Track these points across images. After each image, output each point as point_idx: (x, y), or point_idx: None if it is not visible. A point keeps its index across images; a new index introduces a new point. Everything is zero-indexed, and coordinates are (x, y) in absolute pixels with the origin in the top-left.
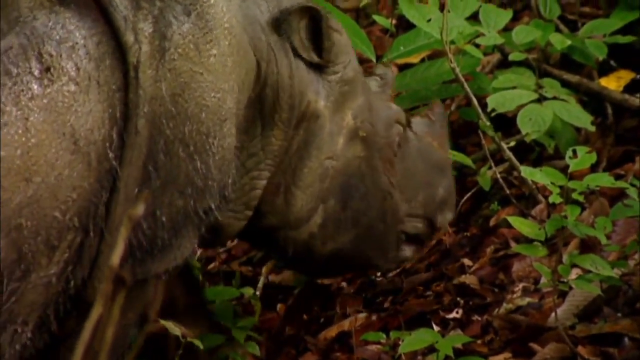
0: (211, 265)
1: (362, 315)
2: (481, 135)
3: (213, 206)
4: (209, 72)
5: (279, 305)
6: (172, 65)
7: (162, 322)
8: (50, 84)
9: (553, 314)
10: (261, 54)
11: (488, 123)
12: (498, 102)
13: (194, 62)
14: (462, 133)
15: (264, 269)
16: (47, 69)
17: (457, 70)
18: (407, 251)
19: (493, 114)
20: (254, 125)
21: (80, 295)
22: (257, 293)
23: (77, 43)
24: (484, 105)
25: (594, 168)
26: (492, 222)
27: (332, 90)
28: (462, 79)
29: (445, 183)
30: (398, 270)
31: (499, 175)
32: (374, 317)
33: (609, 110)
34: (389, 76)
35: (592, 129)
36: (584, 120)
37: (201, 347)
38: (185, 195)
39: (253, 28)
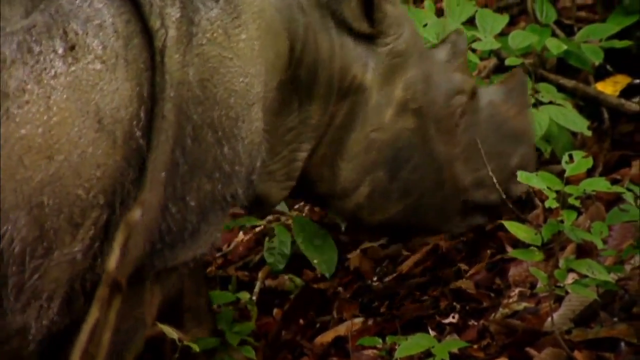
0: (208, 270)
1: (358, 320)
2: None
3: (240, 191)
4: (238, 57)
5: (275, 310)
6: (200, 50)
7: (160, 325)
8: (74, 62)
9: (549, 319)
10: (296, 36)
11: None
12: None
13: (223, 47)
14: None
15: (260, 274)
16: (72, 47)
17: None
18: (479, 218)
19: None
20: (290, 103)
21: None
22: (254, 298)
23: (104, 21)
24: None
25: (590, 173)
26: (488, 227)
27: (381, 63)
28: None
29: (522, 152)
30: (394, 275)
31: (495, 180)
32: (370, 322)
33: (606, 115)
34: (461, 44)
35: (589, 133)
36: (580, 124)
37: (197, 350)
38: (213, 180)
39: (289, 10)
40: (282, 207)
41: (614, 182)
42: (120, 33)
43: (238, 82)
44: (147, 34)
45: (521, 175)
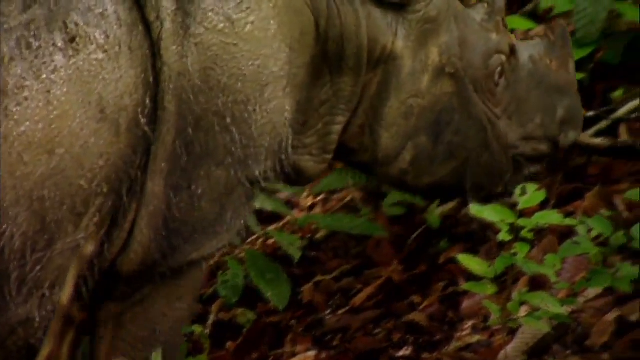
0: None
1: (311, 354)
2: None
3: (261, 172)
4: (244, 42)
5: (228, 344)
6: (199, 40)
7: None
8: (75, 54)
9: (503, 352)
10: (319, 11)
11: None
12: None
13: (225, 34)
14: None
15: (213, 307)
16: (72, 39)
17: None
18: (533, 169)
19: None
20: (322, 76)
21: (114, 267)
22: (207, 331)
23: (106, 10)
24: None
25: (543, 205)
26: (441, 260)
27: (412, 30)
28: None
29: (566, 103)
30: (347, 308)
31: (448, 213)
32: (323, 355)
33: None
34: (498, 3)
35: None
36: None
37: None
38: (225, 166)
39: None
40: (235, 240)
41: (567, 214)
42: (123, 21)
43: (246, 66)
44: (146, 23)
45: (473, 208)
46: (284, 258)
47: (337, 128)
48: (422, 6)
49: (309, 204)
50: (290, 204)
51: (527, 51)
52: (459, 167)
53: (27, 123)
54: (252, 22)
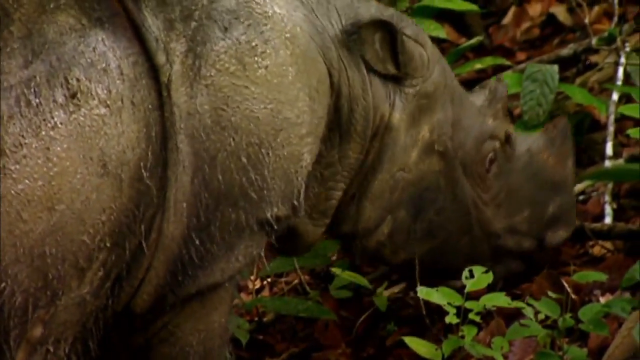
0: None
1: None
2: None
3: (270, 215)
4: (256, 85)
5: None
6: (210, 81)
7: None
8: (76, 110)
9: None
10: (332, 63)
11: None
12: None
13: (236, 77)
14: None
15: None
16: (74, 95)
17: None
18: (513, 265)
19: None
20: (333, 134)
21: (127, 308)
22: None
23: (109, 65)
24: None
25: (490, 288)
26: (388, 343)
27: (408, 103)
28: None
29: (559, 200)
30: None
31: (395, 296)
32: None
33: None
34: (500, 91)
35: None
36: None
37: None
38: (238, 208)
39: (322, 38)
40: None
41: (514, 297)
42: (126, 75)
43: (259, 109)
44: (155, 71)
45: (421, 291)
46: (231, 341)
47: (338, 194)
48: (419, 81)
49: (256, 286)
50: (238, 287)
51: (525, 143)
52: (436, 247)
53: (26, 181)
54: (266, 67)
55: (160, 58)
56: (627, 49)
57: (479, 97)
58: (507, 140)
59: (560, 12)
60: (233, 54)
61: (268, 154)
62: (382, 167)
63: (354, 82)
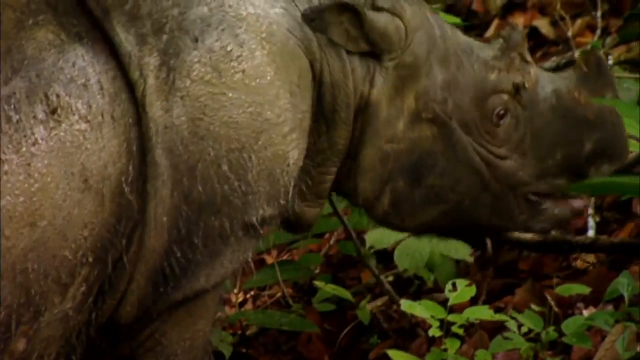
0: None
1: None
2: (361, 268)
3: (256, 219)
4: (233, 90)
5: None
6: (185, 92)
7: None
8: (57, 126)
9: None
10: (314, 55)
11: (370, 252)
12: (376, 239)
13: (212, 84)
14: (340, 267)
15: None
16: (54, 111)
17: (335, 205)
18: (553, 208)
19: (372, 250)
20: (319, 123)
21: (112, 319)
22: None
23: (89, 80)
24: (362, 240)
25: (473, 301)
26: (371, 356)
27: (389, 76)
28: (341, 214)
29: (597, 136)
30: None
31: (378, 309)
32: None
33: (488, 243)
34: (514, 38)
35: (471, 260)
36: (462, 252)
37: None
38: (222, 216)
39: (302, 30)
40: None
41: (498, 310)
42: (106, 90)
43: (238, 114)
44: (130, 86)
45: (404, 304)
46: (214, 354)
47: (330, 177)
48: (397, 54)
49: (240, 300)
50: (221, 300)
51: (552, 84)
52: (450, 210)
53: (8, 197)
54: (243, 71)
55: (134, 73)
56: (610, 62)
57: (492, 48)
58: (517, 90)
59: (543, 25)
60: (207, 62)
61: (250, 157)
62: (366, 142)
63: (335, 69)
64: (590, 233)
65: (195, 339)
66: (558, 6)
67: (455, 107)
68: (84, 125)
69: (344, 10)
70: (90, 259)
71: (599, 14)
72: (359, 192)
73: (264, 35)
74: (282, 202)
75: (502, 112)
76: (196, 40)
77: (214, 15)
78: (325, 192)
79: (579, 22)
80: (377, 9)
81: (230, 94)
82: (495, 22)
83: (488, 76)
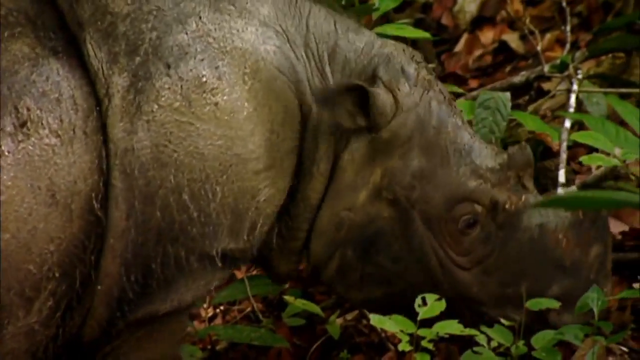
0: None
1: None
2: None
3: (216, 251)
4: (202, 121)
5: None
6: (151, 117)
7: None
8: (25, 139)
9: None
10: (303, 98)
11: None
12: None
13: (180, 113)
14: (310, 281)
15: None
16: (23, 124)
17: None
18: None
19: None
20: (304, 168)
21: (76, 335)
22: None
23: (62, 95)
24: None
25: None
26: None
27: (362, 147)
28: None
29: (567, 284)
30: None
31: (348, 323)
32: None
33: None
34: (517, 159)
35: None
36: None
37: None
38: (179, 245)
39: (295, 71)
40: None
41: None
42: (80, 105)
43: (204, 145)
44: (99, 102)
45: (374, 318)
46: None
47: (302, 235)
48: (377, 129)
49: (209, 314)
50: (190, 315)
51: (540, 218)
52: (395, 294)
53: None
54: (216, 103)
55: (100, 91)
56: (580, 76)
57: (496, 159)
58: (494, 207)
59: (512, 40)
60: (177, 90)
61: (215, 189)
62: (327, 203)
63: (322, 119)
64: None
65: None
66: (527, 21)
67: (422, 199)
68: (54, 140)
69: (352, 90)
70: (57, 274)
71: (568, 28)
72: (310, 252)
73: (247, 70)
74: (248, 237)
75: (471, 221)
76: (169, 66)
77: (194, 44)
78: (297, 249)
79: (548, 36)
80: (375, 78)
81: (198, 125)
82: (465, 37)
83: (468, 182)
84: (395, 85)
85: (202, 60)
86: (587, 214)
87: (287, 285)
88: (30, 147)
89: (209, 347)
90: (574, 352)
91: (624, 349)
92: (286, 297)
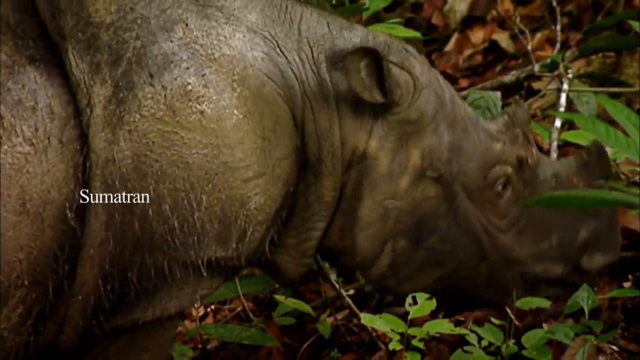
0: None
1: None
2: (321, 282)
3: (201, 261)
4: (187, 130)
5: None
6: (133, 127)
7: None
8: None
9: None
10: (294, 103)
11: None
12: None
13: (164, 122)
14: (301, 280)
15: None
16: None
17: None
18: (551, 291)
19: None
20: (307, 173)
21: (53, 343)
22: None
23: (38, 103)
24: None
25: (433, 314)
26: None
27: (392, 130)
28: None
29: (592, 224)
30: None
31: (339, 322)
32: None
33: None
34: (519, 115)
35: None
36: None
37: None
38: (160, 254)
39: (284, 76)
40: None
41: (458, 323)
42: (57, 114)
43: (189, 154)
44: (79, 113)
45: (364, 317)
46: None
47: (317, 234)
48: (402, 108)
49: (200, 314)
50: (182, 314)
51: (552, 168)
52: (446, 275)
53: None
54: (202, 112)
55: (82, 102)
56: (570, 76)
57: (497, 122)
58: (521, 164)
59: (502, 39)
60: (161, 100)
61: (200, 198)
62: (364, 196)
63: (320, 118)
64: None
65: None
66: (518, 20)
67: (460, 171)
68: (27, 148)
69: (364, 55)
70: (26, 282)
71: (558, 27)
72: (357, 251)
73: (236, 77)
74: (237, 245)
75: (504, 183)
76: (152, 76)
77: (180, 53)
78: (310, 251)
79: (538, 35)
80: (387, 62)
81: (183, 134)
82: (455, 36)
83: (493, 146)
84: (408, 64)
85: (188, 68)
86: (590, 153)
87: (277, 285)
88: (2, 155)
89: (200, 346)
90: (564, 351)
91: (614, 347)
92: (277, 297)
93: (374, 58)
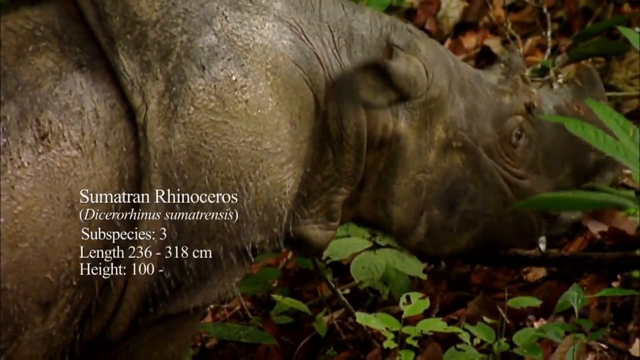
0: None
1: None
2: (317, 281)
3: (248, 247)
4: (235, 119)
5: None
6: (187, 119)
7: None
8: (45, 151)
9: None
10: (318, 87)
11: (327, 266)
12: (333, 250)
13: (215, 113)
14: (298, 280)
15: None
16: (44, 136)
17: None
18: (569, 215)
19: (328, 262)
20: (325, 151)
21: (100, 337)
22: None
23: (84, 108)
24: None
25: (427, 313)
26: None
27: (416, 112)
28: None
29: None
30: None
31: (335, 321)
32: None
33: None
34: (515, 61)
35: (424, 277)
36: (415, 268)
37: None
38: (216, 242)
39: (309, 63)
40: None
41: (451, 322)
42: (102, 118)
43: (237, 143)
44: (131, 114)
45: (359, 316)
46: None
47: (340, 198)
48: (422, 92)
49: None
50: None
51: (552, 101)
52: (480, 232)
53: None
54: (246, 101)
55: (136, 100)
56: (560, 81)
57: (495, 73)
58: (529, 110)
59: (494, 45)
60: (212, 91)
61: (248, 186)
62: (397, 172)
63: (344, 100)
64: (542, 247)
65: (162, 359)
66: (509, 26)
67: (479, 133)
68: (74, 152)
69: (367, 68)
70: (75, 282)
71: (549, 33)
72: (393, 222)
73: (269, 66)
74: (274, 230)
75: (518, 132)
76: (203, 68)
77: (223, 44)
78: (335, 213)
79: (529, 41)
80: (392, 45)
81: (232, 123)
82: (448, 42)
83: (502, 100)
84: (414, 47)
85: (230, 59)
86: (582, 78)
87: (275, 284)
88: (51, 159)
89: (199, 344)
90: (554, 349)
91: (604, 346)
92: (274, 296)
93: (376, 66)
